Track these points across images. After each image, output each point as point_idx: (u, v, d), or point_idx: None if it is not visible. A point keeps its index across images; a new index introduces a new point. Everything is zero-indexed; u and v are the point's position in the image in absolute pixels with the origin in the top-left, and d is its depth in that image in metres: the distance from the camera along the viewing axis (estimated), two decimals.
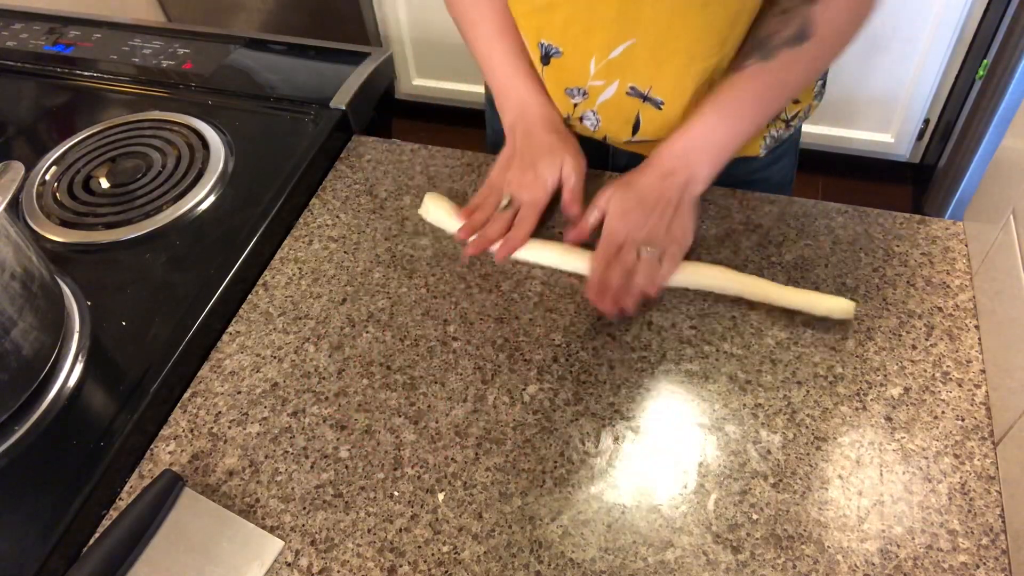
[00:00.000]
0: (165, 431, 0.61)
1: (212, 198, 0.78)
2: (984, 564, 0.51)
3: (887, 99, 1.81)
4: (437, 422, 0.60)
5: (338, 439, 0.60)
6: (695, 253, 0.71)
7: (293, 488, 0.57)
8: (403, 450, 0.59)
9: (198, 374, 0.65)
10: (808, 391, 0.61)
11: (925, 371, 0.62)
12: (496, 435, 0.59)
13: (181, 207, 0.76)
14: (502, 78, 0.76)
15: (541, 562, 0.52)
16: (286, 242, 0.76)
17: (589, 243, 0.69)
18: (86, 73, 0.95)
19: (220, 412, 0.62)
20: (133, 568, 0.53)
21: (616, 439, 0.59)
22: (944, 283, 0.68)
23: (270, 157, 0.81)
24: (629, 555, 0.53)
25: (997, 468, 0.56)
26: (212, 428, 0.61)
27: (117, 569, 0.52)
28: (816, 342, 0.64)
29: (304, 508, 0.56)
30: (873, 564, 0.51)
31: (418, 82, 2.16)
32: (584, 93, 0.74)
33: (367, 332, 0.67)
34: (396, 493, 0.57)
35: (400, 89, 2.18)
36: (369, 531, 0.55)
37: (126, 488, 0.58)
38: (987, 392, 0.60)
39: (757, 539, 0.53)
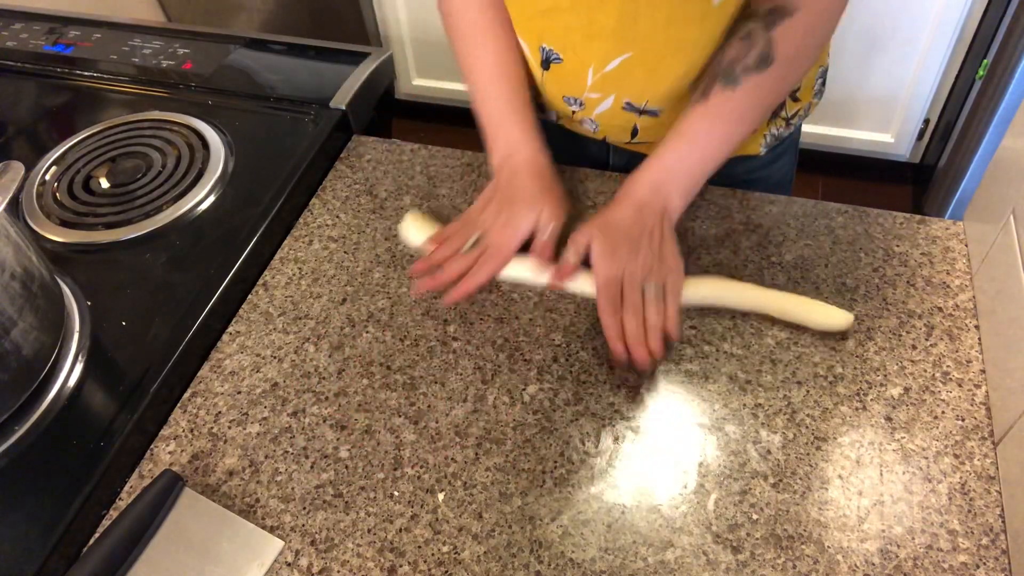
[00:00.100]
0: (165, 431, 0.61)
1: (212, 198, 0.78)
2: (984, 564, 0.51)
3: (887, 99, 1.81)
4: (437, 422, 0.60)
5: (338, 439, 0.60)
6: (695, 252, 0.71)
7: (293, 488, 0.57)
8: (403, 450, 0.59)
9: (198, 374, 0.65)
10: (808, 391, 0.61)
11: (925, 371, 0.62)
12: (496, 435, 0.59)
13: (181, 207, 0.76)
14: (495, 119, 0.74)
15: (541, 562, 0.52)
16: (286, 242, 0.76)
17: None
18: (86, 73, 0.95)
19: (220, 412, 0.62)
20: (133, 568, 0.53)
21: (616, 439, 0.59)
22: (944, 283, 0.68)
23: (270, 157, 0.81)
24: (629, 555, 0.53)
25: (997, 468, 0.56)
26: (212, 428, 0.61)
27: (117, 569, 0.52)
28: (816, 342, 0.64)
29: (304, 508, 0.56)
30: (873, 564, 0.51)
31: (418, 82, 2.16)
32: (581, 103, 0.75)
33: (367, 332, 0.67)
34: (396, 493, 0.57)
35: (400, 89, 2.18)
36: (369, 531, 0.55)
37: (126, 488, 0.58)
38: (987, 392, 0.60)
39: (757, 539, 0.53)
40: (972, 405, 0.59)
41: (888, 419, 0.59)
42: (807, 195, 0.77)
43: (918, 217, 0.74)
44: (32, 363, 0.60)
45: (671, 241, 0.65)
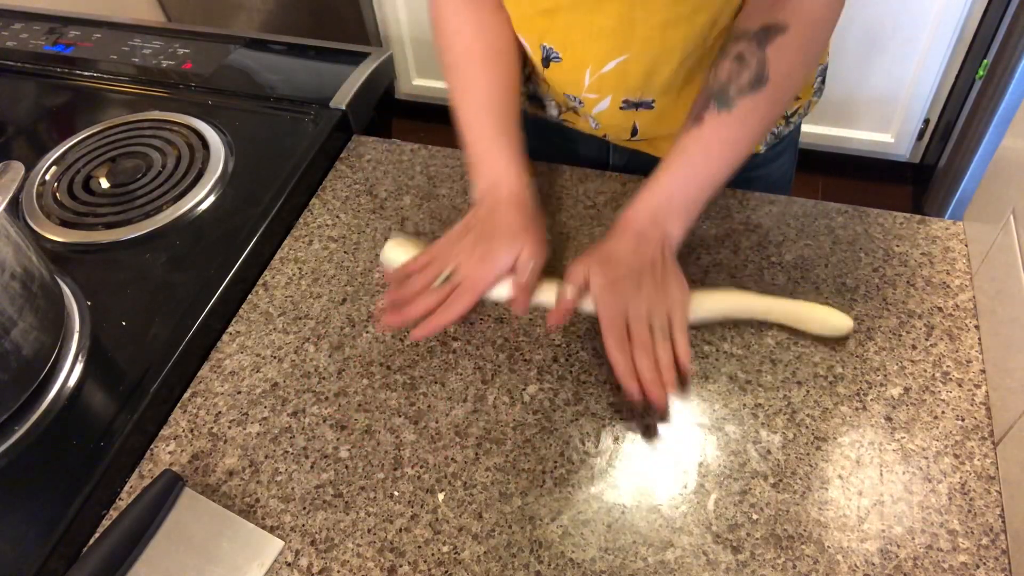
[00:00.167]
0: (165, 431, 0.61)
1: (212, 198, 0.78)
2: (984, 564, 0.51)
3: (887, 99, 1.81)
4: (437, 422, 0.60)
5: (338, 439, 0.60)
6: (695, 252, 0.71)
7: (293, 488, 0.57)
8: (403, 450, 0.59)
9: (198, 374, 0.65)
10: (808, 391, 0.61)
11: (925, 371, 0.62)
12: (496, 435, 0.59)
13: (181, 207, 0.76)
14: (481, 147, 0.71)
15: (541, 562, 0.52)
16: (286, 242, 0.76)
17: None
18: (86, 73, 0.95)
19: (220, 412, 0.62)
20: (133, 568, 0.53)
21: (616, 439, 0.59)
22: (944, 283, 0.68)
23: (270, 157, 0.81)
24: (629, 555, 0.53)
25: (997, 468, 0.56)
26: (212, 428, 0.61)
27: (117, 569, 0.52)
28: (816, 342, 0.64)
29: (304, 508, 0.56)
30: (873, 564, 0.51)
31: (418, 82, 2.16)
32: (580, 102, 0.75)
33: (367, 332, 0.67)
34: (396, 493, 0.57)
35: (400, 89, 2.18)
36: (369, 531, 0.55)
37: (126, 488, 0.58)
38: (987, 392, 0.60)
39: (757, 539, 0.53)
40: (972, 405, 0.59)
41: (888, 419, 0.59)
42: (807, 195, 0.77)
43: (918, 217, 0.74)
44: (32, 363, 0.60)
45: (674, 270, 0.63)
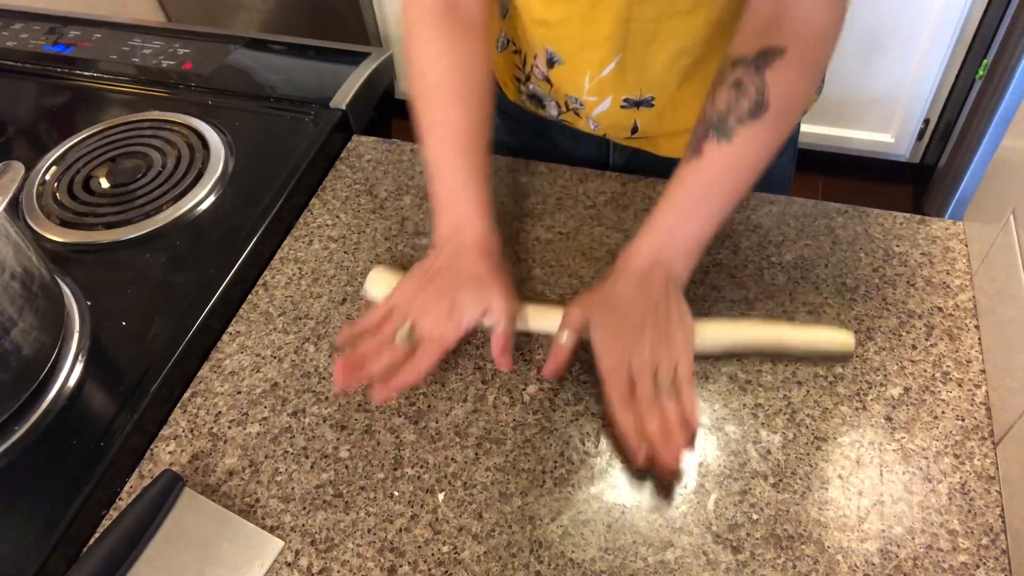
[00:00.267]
0: (165, 431, 0.61)
1: (212, 198, 0.78)
2: (984, 564, 0.51)
3: (887, 99, 1.81)
4: (437, 422, 0.60)
5: (338, 439, 0.60)
6: None
7: (293, 488, 0.57)
8: (403, 450, 0.59)
9: (198, 374, 0.65)
10: (808, 391, 0.61)
11: (925, 371, 0.62)
12: (496, 435, 0.59)
13: (181, 207, 0.76)
14: (447, 189, 0.67)
15: (541, 562, 0.52)
16: (286, 242, 0.76)
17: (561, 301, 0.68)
18: (86, 73, 0.95)
19: (220, 412, 0.62)
20: (133, 568, 0.53)
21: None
22: (944, 283, 0.68)
23: (270, 157, 0.81)
24: (629, 555, 0.53)
25: (997, 468, 0.56)
26: (212, 428, 0.61)
27: (117, 569, 0.52)
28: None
29: (304, 508, 0.56)
30: (873, 564, 0.51)
31: None
32: (581, 104, 0.75)
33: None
34: (396, 493, 0.57)
35: (400, 89, 2.17)
36: (369, 531, 0.55)
37: (126, 488, 0.58)
38: (987, 392, 0.60)
39: (757, 539, 0.53)
40: (972, 405, 0.59)
41: (888, 419, 0.59)
42: (807, 195, 0.77)
43: (918, 217, 0.74)
44: (32, 363, 0.60)
45: (678, 313, 0.60)
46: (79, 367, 0.63)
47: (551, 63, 0.73)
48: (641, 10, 0.64)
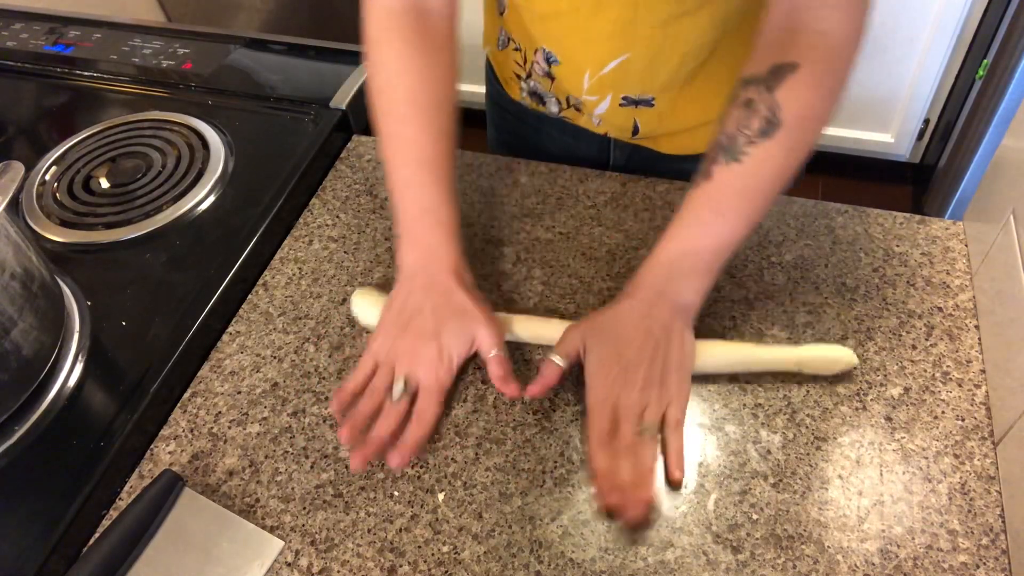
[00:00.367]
0: (165, 431, 0.61)
1: (212, 198, 0.78)
2: (984, 564, 0.51)
3: (887, 99, 1.81)
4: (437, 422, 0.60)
5: (338, 439, 0.60)
6: None
7: (293, 488, 0.57)
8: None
9: (198, 374, 0.65)
10: (808, 391, 0.61)
11: (925, 371, 0.62)
12: (496, 435, 0.59)
13: (181, 207, 0.76)
14: (415, 213, 0.63)
15: (541, 562, 0.52)
16: (286, 242, 0.76)
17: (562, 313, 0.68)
18: (86, 73, 0.95)
19: (220, 412, 0.62)
20: (133, 568, 0.53)
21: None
22: (944, 283, 0.68)
23: (270, 157, 0.81)
24: (629, 555, 0.53)
25: (997, 468, 0.56)
26: (212, 428, 0.61)
27: (117, 569, 0.52)
28: (816, 342, 0.64)
29: (304, 508, 0.56)
30: (873, 564, 0.51)
31: None
32: (580, 103, 0.75)
33: (367, 332, 0.67)
34: (396, 493, 0.57)
35: None
36: (369, 531, 0.55)
37: (126, 488, 0.58)
38: (987, 392, 0.60)
39: (757, 539, 0.53)
40: (972, 405, 0.59)
41: (888, 419, 0.59)
42: (807, 195, 0.77)
43: (918, 217, 0.74)
44: (32, 363, 0.60)
45: (679, 353, 0.58)
46: (79, 367, 0.63)
47: (549, 62, 0.73)
48: (648, 12, 0.64)
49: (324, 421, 0.61)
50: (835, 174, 2.04)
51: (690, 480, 0.56)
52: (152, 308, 0.67)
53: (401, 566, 0.53)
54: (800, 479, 0.56)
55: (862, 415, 0.59)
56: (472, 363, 0.64)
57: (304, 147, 0.82)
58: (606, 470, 0.54)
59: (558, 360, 0.59)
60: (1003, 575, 0.51)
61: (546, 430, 0.59)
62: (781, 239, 0.72)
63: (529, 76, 0.80)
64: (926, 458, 0.56)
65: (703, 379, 0.62)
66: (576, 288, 0.69)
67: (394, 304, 0.62)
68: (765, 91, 0.56)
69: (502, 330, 0.62)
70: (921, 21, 1.64)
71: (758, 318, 0.66)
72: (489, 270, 0.71)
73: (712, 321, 0.66)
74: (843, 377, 0.61)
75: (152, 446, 0.60)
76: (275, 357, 0.66)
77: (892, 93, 1.79)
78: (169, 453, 0.60)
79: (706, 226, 0.59)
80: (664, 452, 0.56)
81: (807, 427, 0.59)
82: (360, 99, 0.89)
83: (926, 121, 1.83)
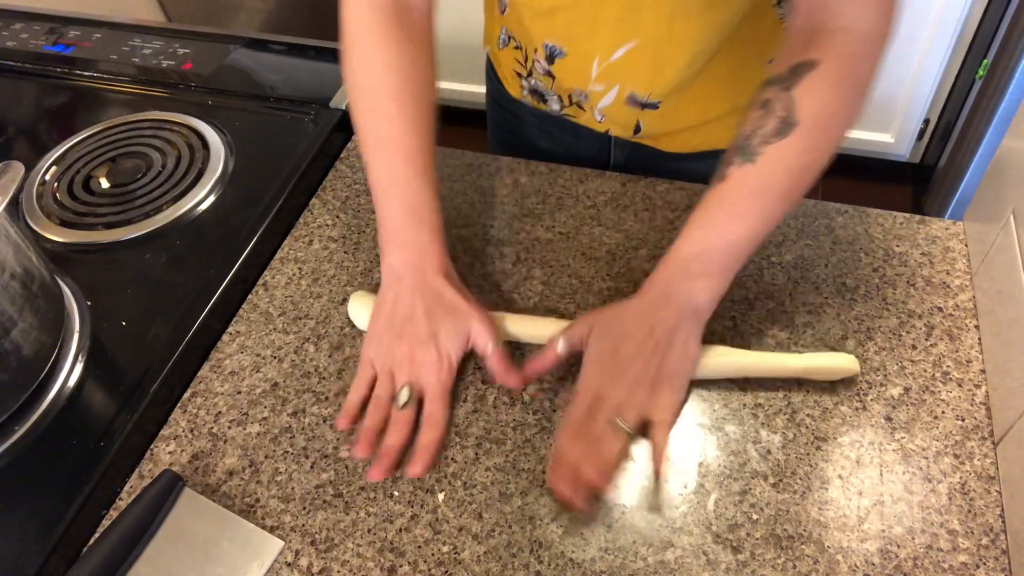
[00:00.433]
0: (165, 431, 0.61)
1: (212, 198, 0.78)
2: (984, 564, 0.51)
3: (887, 99, 1.81)
4: None
5: (338, 439, 0.60)
6: None
7: (293, 488, 0.57)
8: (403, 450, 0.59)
9: (198, 374, 0.65)
10: (808, 391, 0.61)
11: (925, 371, 0.62)
12: (496, 435, 0.59)
13: (181, 207, 0.76)
14: (400, 215, 0.62)
15: (541, 562, 0.52)
16: (286, 242, 0.76)
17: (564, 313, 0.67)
18: (86, 73, 0.95)
19: (220, 412, 0.62)
20: (133, 568, 0.53)
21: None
22: (944, 283, 0.68)
23: (270, 157, 0.81)
24: (629, 555, 0.53)
25: (997, 468, 0.56)
26: (212, 428, 0.61)
27: (117, 569, 0.52)
28: (816, 342, 0.64)
29: (304, 508, 0.56)
30: (873, 564, 0.51)
31: None
32: (585, 96, 0.74)
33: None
34: (396, 493, 0.57)
35: None
36: (369, 531, 0.55)
37: (126, 488, 0.58)
38: (987, 392, 0.60)
39: (757, 539, 0.53)
40: (972, 405, 0.59)
41: (888, 419, 0.59)
42: (807, 195, 0.76)
43: (918, 217, 0.74)
44: (32, 363, 0.60)
45: (681, 358, 0.58)
46: (79, 367, 0.63)
47: (551, 59, 0.73)
48: (654, 4, 0.63)
49: (324, 421, 0.61)
50: (835, 174, 2.02)
51: (690, 480, 0.56)
52: (152, 308, 0.67)
53: (401, 566, 0.53)
54: (800, 479, 0.56)
55: (862, 415, 0.59)
56: (472, 363, 0.64)
57: (304, 147, 0.82)
58: (565, 453, 0.55)
59: (560, 345, 0.59)
60: (1003, 575, 0.51)
61: (546, 430, 0.59)
62: (781, 239, 0.72)
63: (530, 74, 0.80)
64: (926, 458, 0.56)
65: (704, 380, 0.62)
66: (576, 288, 0.69)
67: (383, 308, 0.61)
68: (783, 91, 0.56)
69: (495, 323, 0.62)
70: (921, 21, 1.64)
71: (758, 318, 0.66)
72: (489, 270, 0.71)
73: (712, 321, 0.65)
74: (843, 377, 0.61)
75: (152, 446, 0.60)
76: (275, 357, 0.66)
77: (892, 93, 1.79)
78: (169, 453, 0.60)
79: (719, 227, 0.58)
80: (652, 448, 0.56)
81: (807, 427, 0.59)
82: None
83: (926, 121, 1.83)
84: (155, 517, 0.55)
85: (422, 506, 0.56)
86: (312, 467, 0.58)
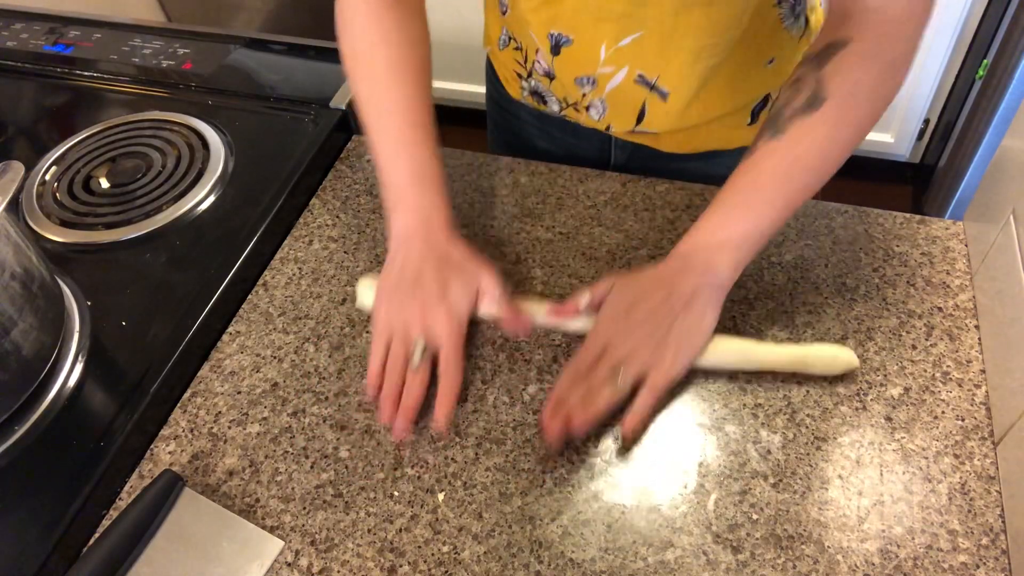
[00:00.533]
0: (165, 431, 0.61)
1: (212, 198, 0.78)
2: (984, 564, 0.51)
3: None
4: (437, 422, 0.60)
5: (338, 439, 0.60)
6: None
7: (293, 488, 0.57)
8: (403, 450, 0.59)
9: (198, 374, 0.65)
10: (808, 391, 0.61)
11: (925, 371, 0.62)
12: (496, 435, 0.59)
13: (181, 207, 0.76)
14: (405, 179, 0.64)
15: (541, 562, 0.52)
16: (286, 242, 0.76)
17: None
18: (86, 73, 0.95)
19: (220, 412, 0.62)
20: (133, 568, 0.53)
21: (616, 439, 0.59)
22: (944, 283, 0.68)
23: (270, 157, 0.81)
24: (629, 555, 0.53)
25: (997, 468, 0.56)
26: (212, 428, 0.61)
27: (117, 569, 0.52)
28: (816, 342, 0.64)
29: (304, 508, 0.56)
30: (873, 564, 0.51)
31: None
32: (593, 82, 0.74)
33: (367, 332, 0.67)
34: (396, 493, 0.57)
35: None
36: (369, 531, 0.55)
37: (126, 488, 0.58)
38: (987, 392, 0.60)
39: (757, 539, 0.53)
40: (972, 405, 0.59)
41: (888, 419, 0.59)
42: None
43: (918, 217, 0.74)
44: (32, 363, 0.60)
45: (692, 326, 0.58)
46: (79, 367, 0.63)
47: (557, 48, 0.72)
48: None
49: (324, 421, 0.61)
50: (835, 174, 2.04)
51: (690, 480, 0.56)
52: (152, 308, 0.67)
53: (401, 566, 0.53)
54: (800, 479, 0.56)
55: (862, 415, 0.59)
56: (473, 363, 0.64)
57: (304, 147, 0.82)
58: (561, 392, 0.57)
59: (583, 299, 0.61)
60: (1003, 575, 0.51)
61: None
62: (781, 239, 0.72)
63: (530, 75, 0.80)
64: (926, 458, 0.56)
65: (703, 378, 0.62)
66: (576, 288, 0.69)
67: (392, 270, 0.62)
68: (814, 68, 0.57)
69: (496, 274, 0.63)
70: None
71: (758, 318, 0.66)
72: None
73: None
74: (843, 377, 0.61)
75: (152, 446, 0.60)
76: (275, 357, 0.66)
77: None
78: (169, 453, 0.60)
79: (744, 200, 0.59)
80: (631, 406, 0.57)
81: (807, 427, 0.59)
82: None
83: (926, 121, 1.83)
84: (155, 517, 0.55)
85: (422, 506, 0.56)
86: (312, 467, 0.58)
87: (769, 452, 0.57)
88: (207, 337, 0.67)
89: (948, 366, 0.62)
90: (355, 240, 0.75)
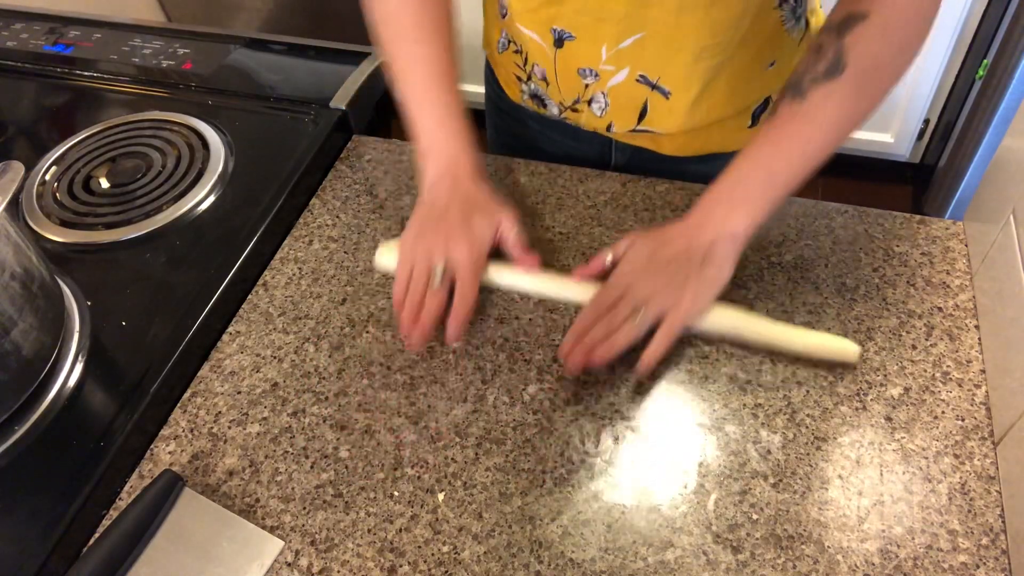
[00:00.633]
0: (165, 431, 0.61)
1: (212, 198, 0.78)
2: (984, 564, 0.51)
3: (887, 99, 1.81)
4: (437, 422, 0.60)
5: (338, 439, 0.60)
6: None
7: (293, 488, 0.57)
8: (403, 450, 0.59)
9: (198, 374, 0.65)
10: (808, 391, 0.61)
11: (925, 371, 0.62)
12: (496, 435, 0.59)
13: (181, 207, 0.76)
14: (433, 123, 0.69)
15: (541, 562, 0.52)
16: (286, 242, 0.76)
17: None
18: (86, 73, 0.95)
19: (220, 412, 0.62)
20: (133, 568, 0.53)
21: (616, 439, 0.59)
22: (944, 283, 0.68)
23: (270, 157, 0.81)
24: (629, 555, 0.53)
25: (997, 468, 0.56)
26: (212, 428, 0.61)
27: (117, 569, 0.52)
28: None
29: (304, 508, 0.56)
30: (873, 564, 0.51)
31: None
32: (596, 75, 0.74)
33: (367, 332, 0.67)
34: (396, 493, 0.57)
35: None
36: (369, 531, 0.55)
37: (126, 488, 0.58)
38: (987, 392, 0.60)
39: (757, 539, 0.53)
40: (972, 405, 0.59)
41: (888, 419, 0.59)
42: (807, 195, 0.77)
43: (918, 217, 0.74)
44: (32, 363, 0.60)
45: (712, 272, 0.61)
46: (79, 367, 0.63)
47: (560, 42, 0.72)
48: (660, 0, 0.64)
49: (324, 421, 0.61)
50: (835, 174, 2.03)
51: (690, 480, 0.56)
52: (152, 308, 0.67)
53: (401, 566, 0.53)
54: (800, 479, 0.56)
55: (862, 415, 0.59)
56: (473, 363, 0.64)
57: (304, 147, 0.82)
58: (584, 325, 0.60)
59: (606, 254, 0.64)
60: (1003, 575, 0.51)
61: (546, 430, 0.59)
62: (781, 239, 0.72)
63: (529, 79, 0.80)
64: (926, 458, 0.57)
65: (703, 378, 0.62)
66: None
67: (422, 208, 0.67)
68: (835, 36, 0.59)
69: (516, 214, 0.67)
70: None
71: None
72: None
73: None
74: (843, 377, 0.61)
75: (152, 446, 0.60)
76: (275, 357, 0.66)
77: (892, 93, 1.79)
78: (169, 453, 0.60)
79: (763, 157, 0.62)
80: (648, 347, 0.59)
81: (807, 427, 0.59)
82: (360, 99, 0.89)
83: (926, 121, 1.83)
84: (155, 517, 0.55)
85: (422, 506, 0.56)
86: (312, 467, 0.58)
87: (769, 452, 0.57)
88: (207, 337, 0.67)
89: (948, 366, 0.62)
90: (355, 240, 0.75)
